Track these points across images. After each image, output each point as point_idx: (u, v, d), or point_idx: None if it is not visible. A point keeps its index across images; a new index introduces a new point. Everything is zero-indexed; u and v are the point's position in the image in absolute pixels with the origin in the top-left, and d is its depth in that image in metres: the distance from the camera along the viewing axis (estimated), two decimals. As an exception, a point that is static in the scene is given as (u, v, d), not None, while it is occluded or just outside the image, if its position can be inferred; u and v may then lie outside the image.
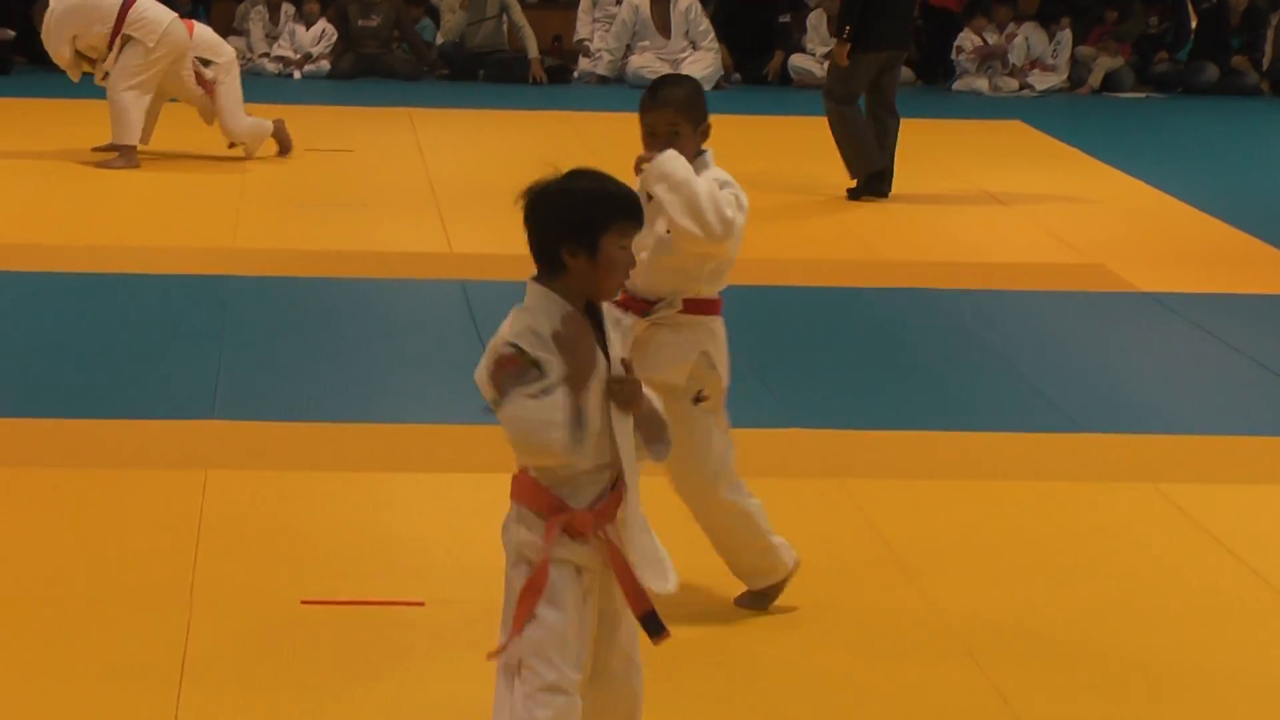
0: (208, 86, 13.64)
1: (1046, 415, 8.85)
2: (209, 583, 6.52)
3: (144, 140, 13.72)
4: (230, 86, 13.80)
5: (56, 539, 6.94)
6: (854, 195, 13.44)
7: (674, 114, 6.25)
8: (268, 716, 5.66)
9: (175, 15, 13.81)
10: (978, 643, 6.28)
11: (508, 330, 4.41)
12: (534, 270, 4.50)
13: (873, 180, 13.40)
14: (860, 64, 13.38)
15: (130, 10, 13.40)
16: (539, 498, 4.47)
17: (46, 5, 13.76)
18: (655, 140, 6.22)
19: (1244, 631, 6.54)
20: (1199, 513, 7.54)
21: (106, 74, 13.43)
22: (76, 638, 6.13)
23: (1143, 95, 19.20)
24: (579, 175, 4.55)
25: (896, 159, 13.55)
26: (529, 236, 4.49)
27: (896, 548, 7.12)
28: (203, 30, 14.10)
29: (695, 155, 6.31)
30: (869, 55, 13.39)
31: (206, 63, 13.70)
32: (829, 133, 13.51)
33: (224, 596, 6.41)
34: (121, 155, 13.52)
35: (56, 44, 13.52)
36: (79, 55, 13.55)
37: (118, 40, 13.34)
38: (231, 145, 13.94)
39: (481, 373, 4.39)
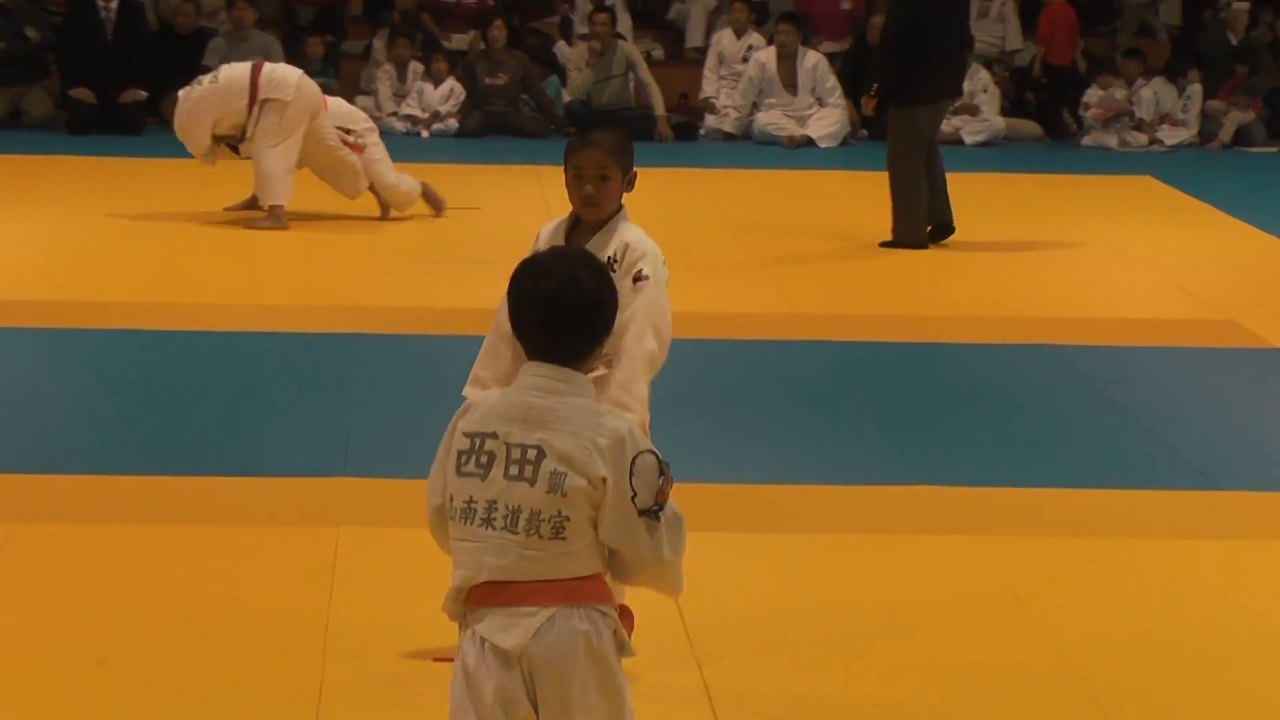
0: (356, 148, 13.80)
1: (1180, 472, 8.80)
2: (342, 639, 6.55)
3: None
4: (377, 146, 14.02)
5: (193, 594, 7.00)
6: (891, 245, 13.60)
7: (604, 157, 6.11)
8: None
9: (303, 72, 14.00)
10: (1110, 700, 6.25)
11: (637, 434, 4.29)
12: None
13: (921, 241, 13.60)
14: (919, 117, 13.60)
15: (260, 75, 13.60)
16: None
17: (175, 100, 13.94)
18: (581, 182, 6.11)
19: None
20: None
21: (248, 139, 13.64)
22: (211, 692, 6.17)
23: (1275, 149, 19.08)
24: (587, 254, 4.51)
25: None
26: (591, 323, 4.33)
27: (1028, 604, 7.09)
28: (336, 102, 14.29)
29: (618, 207, 6.22)
30: (925, 108, 13.64)
31: (348, 131, 13.89)
32: (948, 187, 13.65)
33: (356, 653, 6.44)
34: (270, 216, 13.64)
35: (196, 133, 13.70)
36: (215, 140, 13.73)
37: (255, 108, 13.52)
38: (384, 215, 14.05)
39: (621, 467, 4.23)
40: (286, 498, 8.16)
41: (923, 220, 13.60)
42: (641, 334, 6.06)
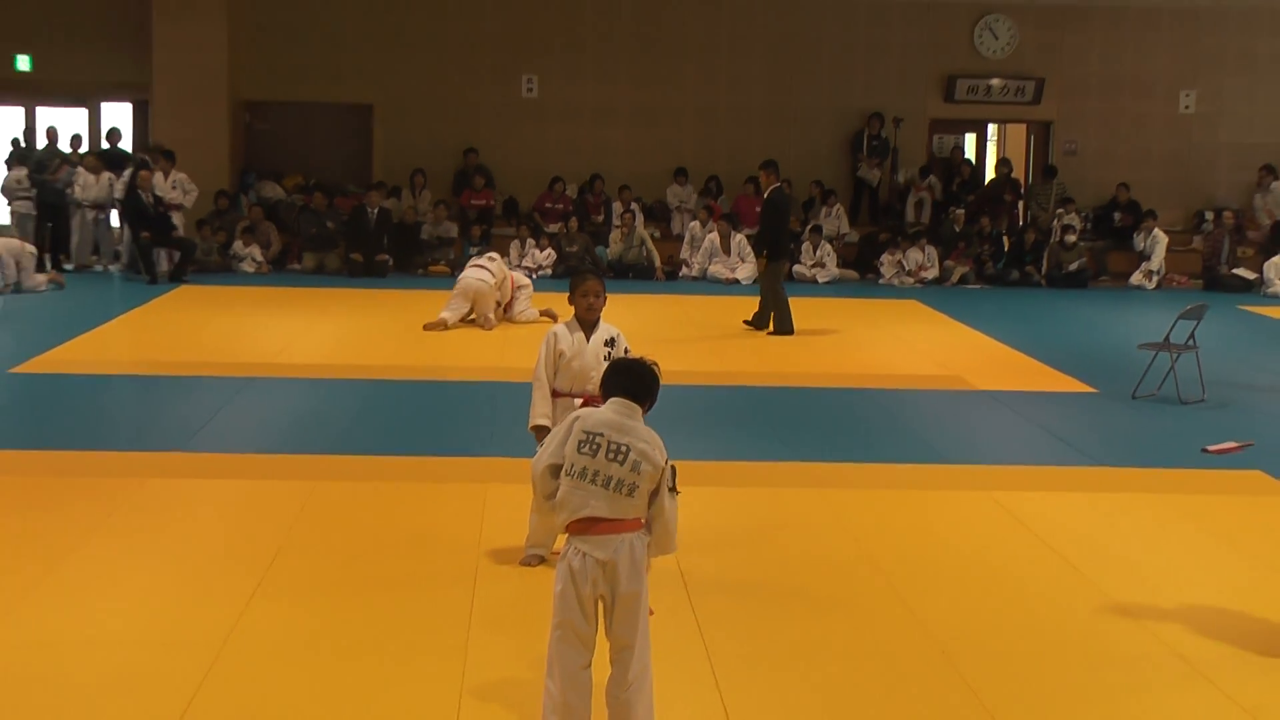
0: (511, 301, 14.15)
1: (929, 452, 8.79)
2: (490, 547, 6.52)
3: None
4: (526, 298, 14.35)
5: (405, 522, 6.98)
6: (769, 332, 13.75)
7: (599, 283, 6.20)
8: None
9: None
10: (887, 563, 6.18)
11: (662, 447, 4.32)
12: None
13: (790, 330, 13.73)
14: (781, 266, 13.96)
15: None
16: None
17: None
18: (587, 298, 6.09)
19: (1029, 566, 6.45)
20: (1015, 507, 7.46)
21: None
22: (415, 578, 6.12)
23: (979, 287, 19.05)
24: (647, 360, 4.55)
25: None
26: (654, 391, 4.38)
27: (849, 524, 7.05)
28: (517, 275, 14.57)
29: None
30: (785, 261, 14.13)
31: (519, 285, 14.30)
32: (769, 301, 13.94)
33: (500, 558, 6.38)
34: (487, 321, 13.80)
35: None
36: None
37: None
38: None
39: (665, 463, 4.28)
40: (458, 467, 8.14)
41: (788, 320, 13.75)
42: None
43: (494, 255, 14.57)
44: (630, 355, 4.75)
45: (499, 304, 14.07)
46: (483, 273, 13.93)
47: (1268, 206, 19.82)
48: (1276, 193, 19.61)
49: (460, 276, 14.12)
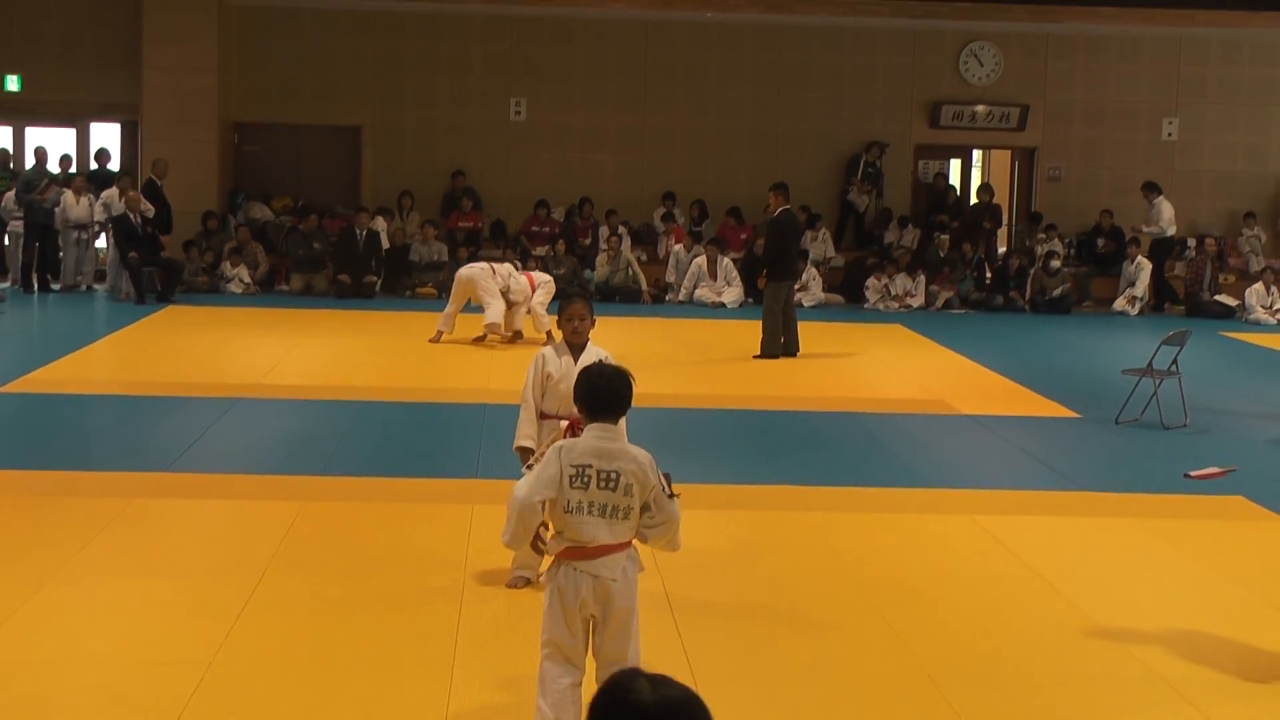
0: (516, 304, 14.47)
1: (911, 477, 8.82)
2: (476, 565, 6.53)
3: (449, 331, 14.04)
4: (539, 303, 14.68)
5: (394, 540, 7.00)
6: (759, 357, 13.70)
7: (585, 306, 6.14)
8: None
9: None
10: (868, 577, 6.20)
11: (651, 457, 4.33)
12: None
13: (776, 355, 13.73)
14: (783, 288, 13.83)
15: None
16: None
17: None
18: (573, 321, 6.04)
19: (1012, 589, 6.48)
20: (997, 531, 7.49)
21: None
22: (403, 591, 6.13)
23: (963, 312, 19.13)
24: (621, 366, 4.51)
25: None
26: (626, 399, 4.36)
27: (834, 543, 7.08)
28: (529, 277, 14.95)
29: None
30: (786, 283, 13.88)
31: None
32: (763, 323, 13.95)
33: (485, 577, 6.41)
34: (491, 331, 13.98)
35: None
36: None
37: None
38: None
39: (654, 475, 4.28)
40: (445, 488, 8.16)
41: (776, 344, 13.72)
42: None
43: (490, 266, 14.61)
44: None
45: (513, 303, 14.17)
46: (475, 266, 14.25)
47: (1149, 224, 19.70)
48: (1157, 208, 19.65)
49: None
